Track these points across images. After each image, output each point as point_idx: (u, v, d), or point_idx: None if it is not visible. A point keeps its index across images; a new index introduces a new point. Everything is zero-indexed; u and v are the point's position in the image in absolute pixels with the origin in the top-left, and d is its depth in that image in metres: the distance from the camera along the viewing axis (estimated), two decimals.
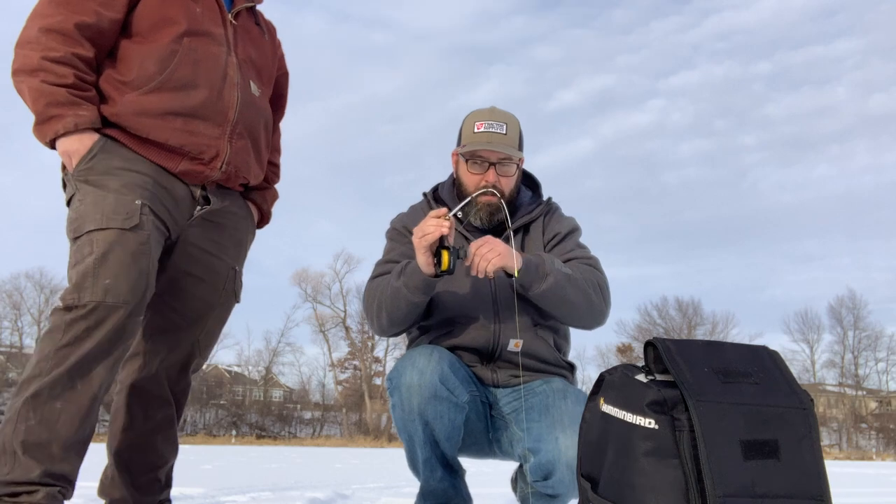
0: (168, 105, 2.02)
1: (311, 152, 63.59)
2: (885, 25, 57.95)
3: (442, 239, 1.98)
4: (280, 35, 2.44)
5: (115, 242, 1.90)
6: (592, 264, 2.20)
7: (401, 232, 2.30)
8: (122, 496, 2.12)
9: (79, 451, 1.86)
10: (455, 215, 2.03)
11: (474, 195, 2.16)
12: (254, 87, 2.21)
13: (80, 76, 1.97)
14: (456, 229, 2.14)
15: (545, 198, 2.36)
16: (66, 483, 1.84)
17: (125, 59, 2.04)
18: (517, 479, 2.28)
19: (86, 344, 1.85)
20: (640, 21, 63.99)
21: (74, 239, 1.94)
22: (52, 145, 1.97)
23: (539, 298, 2.08)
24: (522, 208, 2.29)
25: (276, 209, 2.43)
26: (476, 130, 2.19)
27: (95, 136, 1.97)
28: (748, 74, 59.40)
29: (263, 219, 2.39)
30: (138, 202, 1.95)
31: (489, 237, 2.04)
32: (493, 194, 2.16)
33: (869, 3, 59.29)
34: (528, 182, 2.40)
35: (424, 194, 2.38)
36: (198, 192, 2.11)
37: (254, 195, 2.32)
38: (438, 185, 2.39)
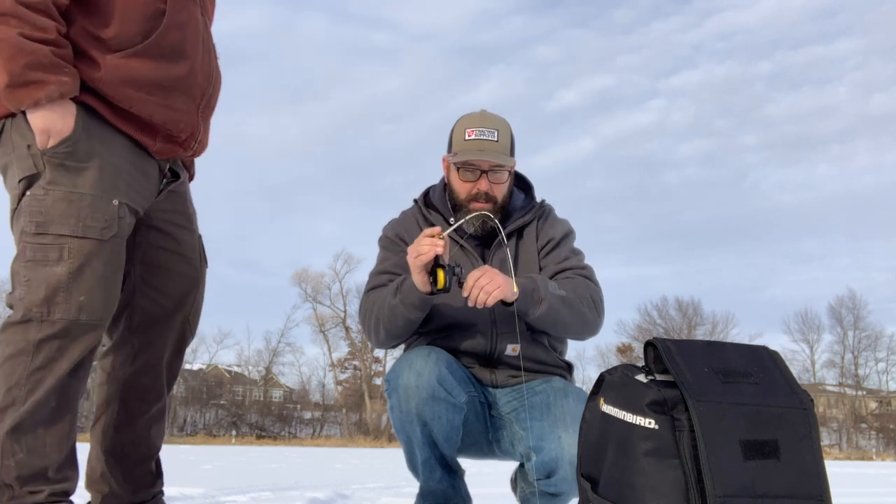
0: (153, 75, 1.82)
1: (311, 152, 63.71)
2: (885, 25, 58.03)
3: (437, 257, 1.96)
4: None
5: (92, 255, 1.74)
6: (586, 274, 2.18)
7: (393, 240, 2.28)
8: (115, 492, 2.03)
9: (72, 465, 1.81)
10: (452, 225, 2.01)
11: (468, 217, 2.10)
12: (217, 52, 2.05)
13: (60, 29, 1.70)
14: (450, 236, 2.14)
15: (538, 200, 2.34)
16: (68, 500, 1.80)
17: (99, 10, 1.78)
18: (517, 480, 2.28)
19: (61, 364, 1.72)
20: (641, 21, 64.15)
21: (36, 234, 1.73)
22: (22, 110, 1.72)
23: (534, 322, 2.07)
24: (515, 212, 2.27)
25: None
26: (467, 138, 2.16)
27: (75, 111, 1.74)
28: (749, 74, 59.53)
29: (190, 177, 2.22)
30: (116, 202, 1.78)
31: (487, 267, 2.00)
32: (488, 215, 2.13)
33: (869, 3, 59.39)
34: (521, 184, 2.37)
35: (415, 200, 2.35)
36: (167, 167, 1.98)
37: (185, 158, 2.14)
38: (429, 189, 2.36)
